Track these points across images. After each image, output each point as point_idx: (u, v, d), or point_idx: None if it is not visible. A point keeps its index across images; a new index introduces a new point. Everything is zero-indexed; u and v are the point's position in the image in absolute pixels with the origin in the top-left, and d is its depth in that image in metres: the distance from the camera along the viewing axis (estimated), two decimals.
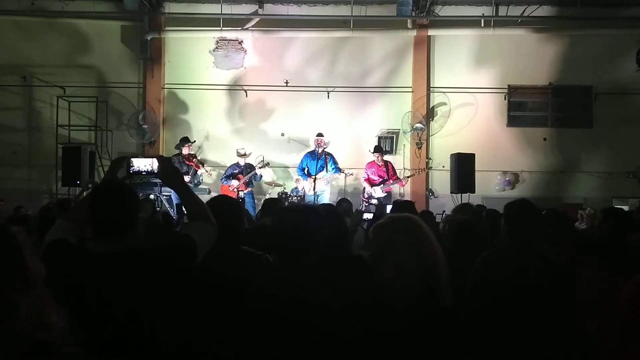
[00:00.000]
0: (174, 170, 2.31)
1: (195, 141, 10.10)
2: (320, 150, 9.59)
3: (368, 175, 9.66)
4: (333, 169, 9.56)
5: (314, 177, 9.30)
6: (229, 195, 9.13)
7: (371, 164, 9.69)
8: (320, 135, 9.73)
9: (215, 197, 2.84)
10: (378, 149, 9.82)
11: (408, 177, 10.05)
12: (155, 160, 2.33)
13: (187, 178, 8.94)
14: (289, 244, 2.13)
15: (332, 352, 1.97)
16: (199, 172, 9.74)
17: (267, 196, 9.32)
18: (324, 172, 9.51)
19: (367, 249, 2.69)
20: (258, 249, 2.62)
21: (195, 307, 2.23)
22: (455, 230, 3.58)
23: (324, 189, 9.56)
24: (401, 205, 4.84)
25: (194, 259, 2.02)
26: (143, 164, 2.21)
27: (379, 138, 11.05)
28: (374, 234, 2.14)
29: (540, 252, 2.95)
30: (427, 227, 2.11)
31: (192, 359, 2.26)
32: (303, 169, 9.70)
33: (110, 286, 1.86)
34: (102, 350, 1.82)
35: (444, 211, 7.72)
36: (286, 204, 7.20)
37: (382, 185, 9.47)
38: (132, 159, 2.15)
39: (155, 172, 2.31)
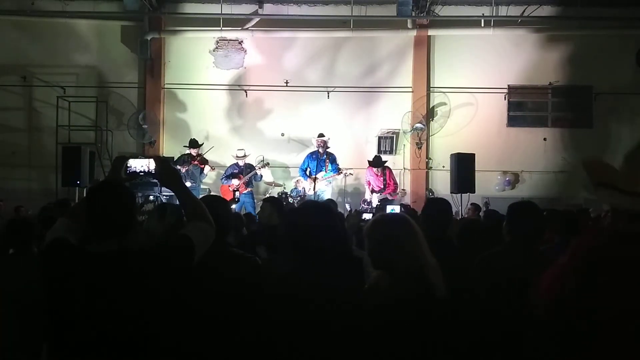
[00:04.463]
0: (172, 171, 2.30)
1: (203, 144, 10.09)
2: (321, 151, 9.59)
3: (368, 179, 9.64)
4: (333, 168, 9.55)
5: (313, 177, 9.30)
6: (227, 194, 9.15)
7: (371, 169, 9.65)
8: (321, 135, 9.72)
9: (202, 197, 2.83)
10: (375, 164, 9.53)
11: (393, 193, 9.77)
12: (151, 160, 2.30)
13: (188, 184, 8.96)
14: (311, 245, 2.12)
15: (334, 352, 1.97)
16: (205, 171, 9.80)
17: (267, 196, 9.28)
18: (322, 172, 9.50)
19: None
20: (268, 249, 2.61)
21: (190, 307, 2.23)
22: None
23: (324, 189, 9.56)
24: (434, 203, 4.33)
25: (192, 259, 2.01)
26: (139, 164, 2.17)
27: (379, 138, 11.04)
28: (366, 233, 2.17)
29: (539, 252, 2.95)
30: (416, 225, 2.16)
31: (189, 358, 2.27)
32: (305, 170, 9.69)
33: (106, 285, 1.86)
34: (99, 349, 1.83)
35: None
36: (284, 204, 7.16)
37: (378, 193, 9.46)
38: (129, 159, 2.11)
39: (153, 172, 2.29)
